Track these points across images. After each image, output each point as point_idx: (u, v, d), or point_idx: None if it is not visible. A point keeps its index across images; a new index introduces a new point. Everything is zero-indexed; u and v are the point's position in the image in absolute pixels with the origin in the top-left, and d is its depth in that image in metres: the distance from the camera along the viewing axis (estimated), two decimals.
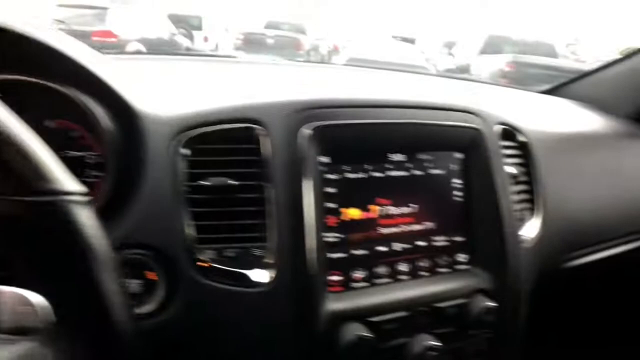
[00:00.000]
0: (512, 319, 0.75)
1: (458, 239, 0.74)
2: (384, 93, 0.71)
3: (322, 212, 0.64)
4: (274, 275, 0.60)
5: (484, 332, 0.72)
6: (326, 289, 0.64)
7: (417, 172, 0.72)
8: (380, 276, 0.68)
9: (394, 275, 0.69)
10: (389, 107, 0.70)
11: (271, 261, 0.61)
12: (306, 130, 0.63)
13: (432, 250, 0.72)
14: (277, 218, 0.61)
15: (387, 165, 0.70)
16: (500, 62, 7.21)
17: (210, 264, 0.60)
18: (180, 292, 0.59)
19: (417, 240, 0.71)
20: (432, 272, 0.72)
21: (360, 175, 0.67)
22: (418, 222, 0.71)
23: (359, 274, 0.67)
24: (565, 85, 1.54)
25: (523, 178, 0.84)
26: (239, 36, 11.13)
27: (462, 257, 0.74)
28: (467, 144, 0.75)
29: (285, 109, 0.64)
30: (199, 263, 0.60)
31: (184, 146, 0.62)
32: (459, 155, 0.75)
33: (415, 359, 0.65)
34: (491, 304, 0.70)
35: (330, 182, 0.66)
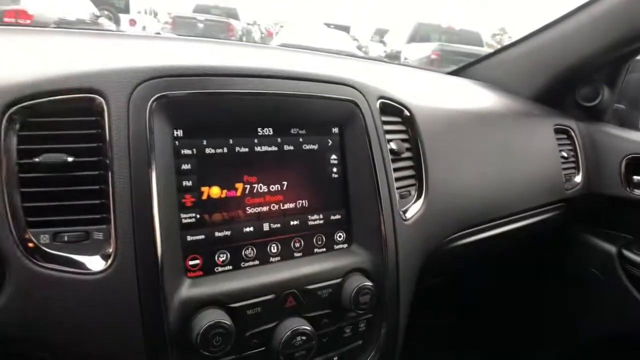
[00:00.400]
0: (392, 298, 0.73)
1: (335, 217, 0.71)
2: (245, 62, 0.66)
3: (175, 190, 0.58)
4: (114, 260, 0.54)
5: (362, 313, 0.69)
6: (183, 275, 0.58)
7: (289, 148, 0.67)
8: (246, 259, 0.63)
9: (263, 258, 0.65)
10: (250, 77, 0.64)
11: (113, 245, 0.54)
12: (152, 101, 0.57)
13: (306, 230, 0.68)
14: (119, 198, 0.55)
15: (254, 140, 0.65)
16: (428, 49, 7.37)
17: (43, 249, 0.53)
18: (10, 280, 0.52)
19: (289, 219, 0.67)
20: (307, 252, 0.68)
21: (221, 150, 0.62)
22: (290, 201, 0.67)
23: (221, 257, 0.62)
24: (470, 66, 1.56)
25: (407, 154, 0.82)
26: (167, 19, 10.69)
27: (339, 236, 0.71)
28: (343, 118, 0.72)
29: (127, 77, 0.57)
30: (30, 246, 0.53)
31: (14, 120, 0.54)
32: (335, 129, 0.72)
33: (284, 345, 0.61)
34: (367, 283, 0.67)
35: (185, 158, 0.60)
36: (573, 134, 1.29)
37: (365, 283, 0.66)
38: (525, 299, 1.51)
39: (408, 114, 0.85)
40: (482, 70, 1.51)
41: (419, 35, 9.02)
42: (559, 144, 1.23)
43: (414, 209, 0.80)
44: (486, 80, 1.44)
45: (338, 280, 0.67)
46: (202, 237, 0.60)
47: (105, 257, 0.54)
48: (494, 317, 1.58)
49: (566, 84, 1.36)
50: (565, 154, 1.24)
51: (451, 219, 0.88)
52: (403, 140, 0.82)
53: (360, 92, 0.74)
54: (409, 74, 1.45)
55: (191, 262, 0.60)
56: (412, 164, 0.83)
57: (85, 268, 0.54)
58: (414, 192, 0.82)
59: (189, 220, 0.60)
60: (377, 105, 0.77)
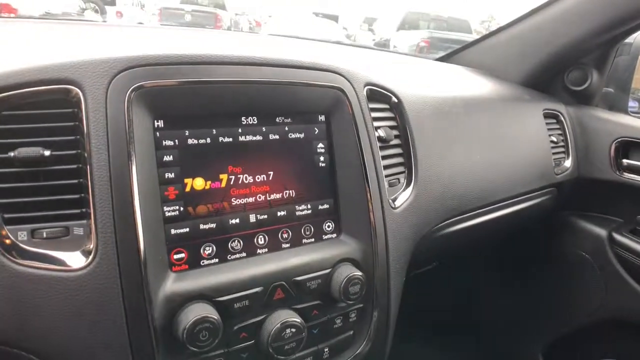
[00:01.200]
0: (382, 288, 0.72)
1: (323, 206, 0.70)
2: (227, 50, 0.64)
3: (157, 183, 0.57)
4: (95, 256, 0.52)
5: (352, 304, 0.68)
6: (168, 269, 0.57)
7: (274, 137, 0.66)
8: (233, 252, 0.62)
9: (251, 250, 0.63)
10: (232, 64, 0.62)
11: (93, 241, 0.53)
12: (130, 91, 0.55)
13: (294, 220, 0.67)
14: (99, 191, 0.53)
15: (238, 130, 0.63)
16: (417, 37, 7.35)
17: (21, 246, 0.52)
18: None
19: (276, 210, 0.66)
20: (295, 243, 0.67)
21: (204, 141, 0.61)
22: (277, 191, 0.66)
23: (207, 250, 0.60)
24: (459, 52, 1.55)
25: (396, 142, 0.81)
26: (154, 11, 10.55)
27: (327, 226, 0.70)
28: (329, 105, 0.70)
29: (104, 67, 0.56)
30: (7, 243, 0.51)
31: None
32: (321, 117, 0.70)
33: (273, 338, 0.60)
34: (357, 273, 0.66)
35: (167, 150, 0.58)
36: (562, 118, 1.28)
37: (355, 273, 0.65)
38: (515, 284, 1.51)
39: (396, 100, 0.83)
40: (471, 55, 1.50)
41: (408, 23, 8.98)
42: (549, 129, 1.23)
43: (403, 197, 0.79)
44: (475, 65, 1.43)
45: (327, 271, 0.65)
46: (187, 230, 0.59)
47: (86, 253, 0.53)
48: (484, 302, 1.59)
49: (555, 68, 1.36)
50: (554, 139, 1.23)
51: (441, 206, 0.88)
52: (391, 127, 0.81)
53: (347, 79, 0.72)
54: (396, 60, 1.44)
55: (176, 256, 0.58)
56: (400, 151, 0.82)
57: (66, 265, 0.52)
58: (403, 180, 0.81)
59: (172, 213, 0.58)
60: (364, 92, 0.75)
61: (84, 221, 0.54)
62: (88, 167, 0.53)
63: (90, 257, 0.52)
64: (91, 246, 0.53)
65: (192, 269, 0.59)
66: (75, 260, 0.52)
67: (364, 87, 0.76)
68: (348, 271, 0.66)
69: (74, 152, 0.54)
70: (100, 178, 0.53)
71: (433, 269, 1.14)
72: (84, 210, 0.54)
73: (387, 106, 0.82)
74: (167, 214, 0.58)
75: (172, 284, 0.56)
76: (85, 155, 0.54)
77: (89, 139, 0.54)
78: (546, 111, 1.24)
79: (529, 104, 1.24)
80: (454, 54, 1.54)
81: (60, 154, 0.54)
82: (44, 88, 0.54)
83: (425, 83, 1.03)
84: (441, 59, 1.53)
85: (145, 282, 0.54)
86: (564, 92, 1.37)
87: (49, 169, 0.54)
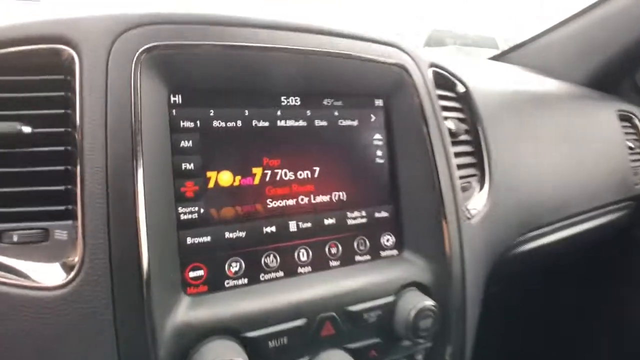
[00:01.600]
0: (458, 320, 0.56)
1: (380, 214, 0.54)
2: (269, 13, 0.50)
3: (171, 176, 0.43)
4: (81, 270, 0.38)
5: (420, 343, 0.52)
6: (181, 291, 0.42)
7: (321, 123, 0.51)
8: (267, 270, 0.47)
9: (290, 268, 0.48)
10: (272, 29, 0.48)
11: (79, 249, 0.38)
12: (140, 54, 0.41)
13: (344, 231, 0.52)
14: (91, 184, 0.39)
15: (276, 112, 0.49)
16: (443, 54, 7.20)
17: None
18: None
19: (322, 217, 0.51)
20: (346, 261, 0.52)
21: (233, 124, 0.46)
22: (323, 192, 0.51)
23: (234, 267, 0.46)
24: (507, 53, 1.40)
25: (464, 137, 0.66)
26: None
27: (386, 239, 0.55)
28: (389, 87, 0.56)
29: (107, 23, 0.42)
30: None
31: None
32: (378, 102, 0.56)
33: None
34: (429, 302, 0.50)
35: (185, 133, 0.44)
36: (637, 121, 1.11)
37: (426, 302, 0.50)
38: (587, 307, 1.31)
39: (463, 89, 0.68)
40: (522, 56, 1.35)
41: (433, 40, 8.85)
42: (625, 132, 1.06)
43: (478, 205, 0.63)
44: (529, 65, 1.28)
45: (390, 299, 0.50)
46: (208, 239, 0.44)
47: (68, 267, 0.38)
48: (554, 326, 1.38)
49: (623, 66, 1.19)
50: (631, 144, 1.06)
51: (516, 219, 0.71)
52: (458, 119, 0.66)
53: (411, 57, 0.57)
54: (447, 54, 1.29)
55: (192, 274, 0.44)
56: (470, 149, 0.66)
57: (40, 281, 0.38)
58: (475, 184, 0.65)
59: (189, 217, 0.44)
60: (430, 75, 0.60)
61: (69, 222, 0.39)
62: (78, 151, 0.39)
63: (74, 272, 0.38)
64: (76, 258, 0.38)
65: (212, 291, 0.44)
66: (52, 275, 0.38)
67: (429, 68, 0.61)
68: (417, 300, 0.50)
69: (61, 130, 0.41)
70: (93, 166, 0.39)
71: (496, 291, 0.97)
72: (69, 207, 0.39)
73: (452, 95, 0.67)
74: (183, 217, 0.43)
75: (186, 312, 0.41)
76: (76, 135, 0.40)
77: (82, 115, 0.40)
78: (620, 113, 1.07)
79: (601, 104, 1.07)
80: (502, 55, 1.39)
81: (43, 131, 0.40)
82: (29, 48, 0.41)
83: (487, 76, 0.87)
84: (492, 59, 1.38)
85: (148, 309, 0.39)
86: (635, 94, 1.20)
87: (27, 150, 0.40)
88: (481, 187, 0.65)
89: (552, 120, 0.90)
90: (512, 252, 0.72)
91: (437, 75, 0.64)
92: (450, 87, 0.67)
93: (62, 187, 0.40)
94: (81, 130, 0.40)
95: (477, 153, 0.67)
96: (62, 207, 0.39)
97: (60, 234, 0.39)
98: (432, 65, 0.63)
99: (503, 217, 0.66)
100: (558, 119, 0.92)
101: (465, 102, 0.68)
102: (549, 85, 1.06)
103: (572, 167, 0.90)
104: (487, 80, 0.80)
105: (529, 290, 1.19)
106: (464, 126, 0.66)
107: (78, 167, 0.39)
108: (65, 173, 0.40)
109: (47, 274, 0.38)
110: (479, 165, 0.66)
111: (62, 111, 0.41)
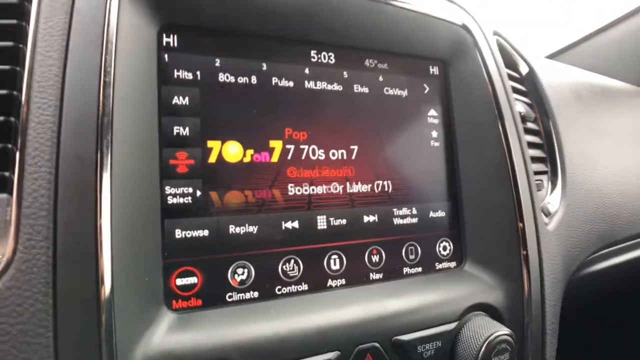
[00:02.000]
0: (536, 354, 0.42)
1: (436, 214, 0.41)
2: None
3: (157, 141, 0.31)
4: (10, 264, 0.25)
5: None
6: (161, 305, 0.30)
7: (361, 89, 0.39)
8: (285, 280, 0.34)
9: (315, 280, 0.36)
10: None
11: (11, 233, 0.26)
12: None
13: (389, 233, 0.39)
14: (35, 142, 0.27)
15: (304, 70, 0.37)
16: None
17: None
18: None
19: (361, 212, 0.38)
20: (392, 274, 0.39)
21: (245, 79, 0.34)
22: (363, 179, 0.38)
23: (240, 275, 0.33)
24: (562, 51, 1.29)
25: (533, 126, 0.53)
26: None
27: (443, 247, 0.41)
28: (448, 50, 0.43)
29: None
30: None
31: None
32: (433, 69, 0.43)
33: None
34: (504, 331, 0.36)
35: (180, 86, 0.32)
36: None
37: (501, 331, 0.36)
38: None
39: (527, 69, 0.56)
40: (579, 55, 1.24)
41: None
42: None
43: (552, 207, 0.49)
44: (583, 66, 1.15)
45: (450, 327, 0.36)
46: (205, 233, 0.32)
47: None
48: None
49: None
50: None
51: (592, 228, 0.58)
52: (525, 103, 0.53)
53: (474, 19, 0.45)
54: None
55: (181, 281, 0.31)
56: (539, 140, 0.53)
57: None
58: (546, 183, 0.52)
59: (179, 200, 0.31)
60: (495, 44, 0.48)
61: (3, 196, 0.27)
62: (24, 96, 0.28)
63: (2, 264, 0.25)
64: (6, 247, 0.26)
65: (208, 307, 0.32)
66: None
67: (493, 35, 0.49)
68: (488, 327, 0.36)
69: (5, 68, 0.29)
70: (40, 118, 0.27)
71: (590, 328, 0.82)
72: (5, 174, 0.27)
73: (516, 75, 0.55)
74: (170, 201, 0.31)
75: (167, 336, 0.28)
76: (25, 75, 0.28)
77: (34, 49, 0.28)
78: None
79: None
80: (556, 54, 1.27)
81: None
82: None
83: (549, 63, 0.75)
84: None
85: (107, 331, 0.26)
86: None
87: None
88: (553, 187, 0.52)
89: (622, 115, 0.77)
90: (583, 271, 0.58)
91: (500, 48, 0.51)
92: (514, 65, 0.54)
93: None
94: (31, 69, 0.28)
95: (547, 146, 0.54)
96: None
97: None
98: (496, 33, 0.50)
99: (579, 226, 0.53)
100: (630, 115, 0.79)
101: (531, 85, 0.55)
102: (615, 83, 0.94)
103: None
104: (550, 66, 0.67)
105: (602, 320, 1.03)
106: (532, 113, 0.53)
107: (21, 119, 0.27)
108: (4, 126, 0.28)
109: None
110: (550, 160, 0.53)
111: (11, 44, 0.29)
